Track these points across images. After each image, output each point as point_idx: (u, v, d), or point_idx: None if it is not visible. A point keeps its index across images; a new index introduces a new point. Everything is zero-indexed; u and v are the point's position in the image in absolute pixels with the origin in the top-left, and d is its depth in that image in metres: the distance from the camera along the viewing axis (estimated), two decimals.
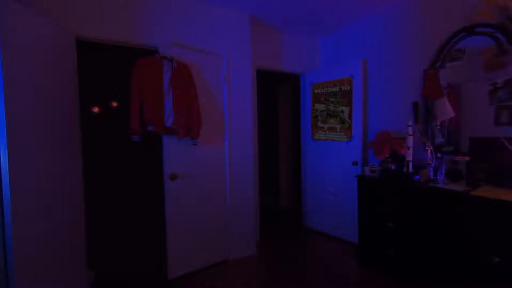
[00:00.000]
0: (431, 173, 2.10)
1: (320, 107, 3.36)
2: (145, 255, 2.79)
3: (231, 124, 2.68)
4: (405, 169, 2.18)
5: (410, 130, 2.13)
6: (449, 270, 1.81)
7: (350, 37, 3.19)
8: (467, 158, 1.89)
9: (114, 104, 2.30)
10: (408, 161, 2.15)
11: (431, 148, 2.10)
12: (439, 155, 2.13)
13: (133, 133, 2.10)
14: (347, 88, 3.07)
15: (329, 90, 3.25)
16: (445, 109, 2.05)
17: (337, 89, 3.16)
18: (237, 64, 2.69)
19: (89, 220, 2.13)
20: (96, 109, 2.25)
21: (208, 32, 2.55)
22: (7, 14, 1.44)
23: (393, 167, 2.33)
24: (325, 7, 2.67)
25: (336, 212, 3.17)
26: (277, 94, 4.65)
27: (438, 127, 2.16)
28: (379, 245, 2.31)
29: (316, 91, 3.40)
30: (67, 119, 1.92)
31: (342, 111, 3.14)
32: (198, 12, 2.50)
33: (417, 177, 2.10)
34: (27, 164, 1.53)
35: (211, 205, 2.55)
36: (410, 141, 2.13)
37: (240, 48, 2.71)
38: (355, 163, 2.89)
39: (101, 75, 2.34)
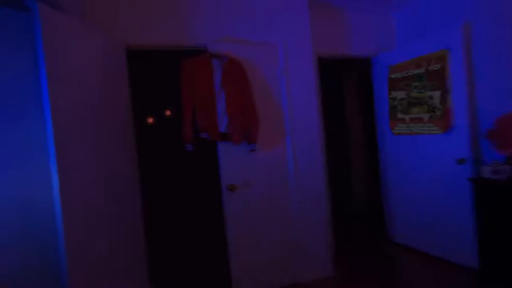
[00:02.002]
0: None
1: (399, 94, 2.73)
2: (206, 276, 2.58)
3: (293, 124, 2.29)
4: None
5: None
6: None
7: None
8: None
9: (168, 112, 2.18)
10: None
11: None
12: None
13: (186, 142, 1.90)
14: (436, 67, 2.39)
15: (411, 73, 2.60)
16: None
17: (423, 70, 2.50)
18: (295, 54, 2.31)
19: (145, 236, 2.01)
20: (150, 120, 2.16)
21: (259, 21, 2.23)
22: (56, 27, 1.35)
23: None
24: None
25: (435, 224, 2.49)
26: (341, 83, 4.10)
27: None
28: None
29: (392, 76, 2.78)
30: (121, 132, 1.82)
31: (431, 97, 2.47)
32: (245, 4, 2.20)
33: None
34: (82, 179, 1.42)
35: (277, 219, 2.20)
36: None
37: (298, 34, 2.33)
38: (461, 162, 2.20)
39: (153, 84, 2.26)
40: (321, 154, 2.43)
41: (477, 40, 2.21)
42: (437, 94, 2.42)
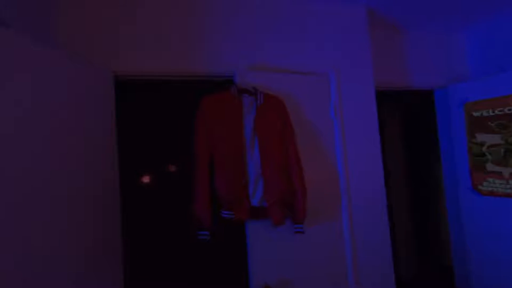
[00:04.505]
0: None
1: (490, 139, 2.00)
2: None
3: (349, 183, 1.60)
4: None
5: None
6: None
7: None
8: None
9: (172, 168, 1.52)
10: None
11: None
12: None
13: (201, 226, 1.20)
14: None
15: (509, 111, 1.89)
16: None
17: None
18: (352, 88, 1.66)
19: None
20: (147, 179, 1.53)
21: (305, 42, 1.62)
22: None
23: None
24: None
25: None
26: (382, 118, 3.40)
27: None
28: None
29: (476, 114, 2.07)
30: (101, 196, 1.17)
31: None
32: (288, 15, 1.61)
33: None
34: None
35: None
36: None
37: (355, 60, 1.69)
38: None
39: (154, 126, 1.64)
40: (388, 232, 1.68)
41: None
42: None
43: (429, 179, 2.96)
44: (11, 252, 0.82)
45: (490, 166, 1.99)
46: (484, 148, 2.02)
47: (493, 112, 1.96)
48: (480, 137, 2.04)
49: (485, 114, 2.01)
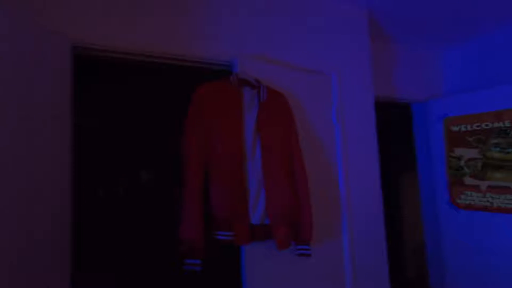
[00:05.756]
0: None
1: (468, 153, 2.05)
2: None
3: (349, 196, 1.44)
4: None
5: None
6: None
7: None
8: None
9: (145, 176, 1.17)
10: None
11: None
12: None
13: (191, 253, 0.90)
14: None
15: (487, 126, 1.96)
16: None
17: (508, 124, 1.87)
18: (353, 90, 1.54)
19: None
20: (102, 191, 1.13)
21: (308, 39, 1.45)
22: None
23: None
24: None
25: None
26: None
27: None
28: None
29: (454, 129, 2.12)
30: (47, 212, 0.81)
31: None
32: (291, 9, 1.44)
33: None
34: None
35: None
36: None
37: (355, 64, 1.58)
38: None
39: (129, 121, 1.25)
40: (385, 251, 1.56)
41: None
42: None
43: (404, 192, 3.00)
44: None
45: (468, 180, 2.03)
46: (462, 162, 2.07)
47: (471, 127, 2.03)
48: (459, 151, 2.09)
49: (463, 129, 2.06)
